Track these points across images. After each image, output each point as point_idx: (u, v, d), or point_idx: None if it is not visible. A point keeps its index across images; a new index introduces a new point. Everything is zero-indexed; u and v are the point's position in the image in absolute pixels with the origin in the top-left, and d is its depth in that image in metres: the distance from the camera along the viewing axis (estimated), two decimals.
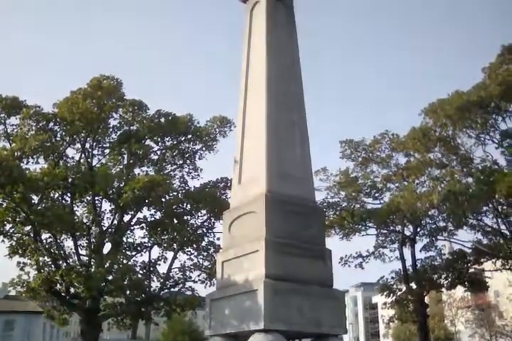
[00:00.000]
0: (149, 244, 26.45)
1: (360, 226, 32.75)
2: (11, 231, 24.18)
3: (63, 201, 25.67)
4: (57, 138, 26.13)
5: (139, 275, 25.09)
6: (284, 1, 15.93)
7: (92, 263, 24.34)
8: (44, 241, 24.55)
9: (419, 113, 30.47)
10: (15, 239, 24.35)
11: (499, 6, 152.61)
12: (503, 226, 29.08)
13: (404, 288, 32.79)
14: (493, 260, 30.76)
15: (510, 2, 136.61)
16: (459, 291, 40.72)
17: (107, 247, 25.27)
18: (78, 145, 26.66)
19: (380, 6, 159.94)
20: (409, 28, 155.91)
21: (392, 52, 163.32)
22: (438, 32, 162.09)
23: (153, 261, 26.14)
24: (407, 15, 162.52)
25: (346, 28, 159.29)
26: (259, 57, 14.92)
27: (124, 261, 24.58)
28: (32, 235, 24.02)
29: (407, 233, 32.47)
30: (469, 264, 31.81)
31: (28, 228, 24.20)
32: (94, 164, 26.56)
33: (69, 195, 25.51)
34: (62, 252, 24.79)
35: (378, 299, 67.12)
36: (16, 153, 23.60)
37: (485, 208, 28.73)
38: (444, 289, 34.63)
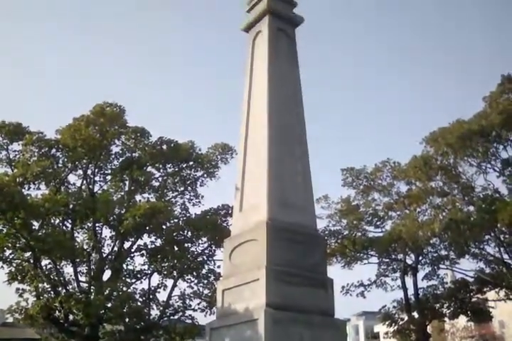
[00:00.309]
0: (149, 272, 26.35)
1: (361, 255, 32.59)
2: (10, 257, 24.21)
3: (64, 227, 25.62)
4: (59, 165, 26.30)
5: (139, 303, 24.93)
6: (286, 31, 16.11)
7: (91, 290, 24.20)
8: (44, 267, 24.48)
9: (420, 141, 30.66)
10: (14, 265, 24.34)
11: (499, 33, 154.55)
12: (505, 256, 28.98)
13: (406, 317, 32.44)
14: (497, 289, 30.56)
15: (510, 31, 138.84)
16: (462, 321, 40.14)
17: (107, 274, 25.21)
18: (80, 172, 26.80)
19: (378, 38, 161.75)
20: (410, 57, 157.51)
21: (392, 80, 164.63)
22: (437, 62, 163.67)
23: (152, 288, 26.00)
24: (405, 46, 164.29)
25: (346, 61, 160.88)
26: (261, 87, 15.02)
27: (124, 289, 24.45)
28: (32, 261, 23.97)
29: (409, 262, 32.26)
30: (472, 293, 31.54)
31: (28, 254, 24.19)
32: (95, 190, 26.62)
33: (70, 221, 25.51)
34: (61, 279, 24.68)
35: (380, 328, 66.11)
36: (17, 179, 23.72)
37: (487, 237, 28.67)
38: (446, 318, 34.23)
